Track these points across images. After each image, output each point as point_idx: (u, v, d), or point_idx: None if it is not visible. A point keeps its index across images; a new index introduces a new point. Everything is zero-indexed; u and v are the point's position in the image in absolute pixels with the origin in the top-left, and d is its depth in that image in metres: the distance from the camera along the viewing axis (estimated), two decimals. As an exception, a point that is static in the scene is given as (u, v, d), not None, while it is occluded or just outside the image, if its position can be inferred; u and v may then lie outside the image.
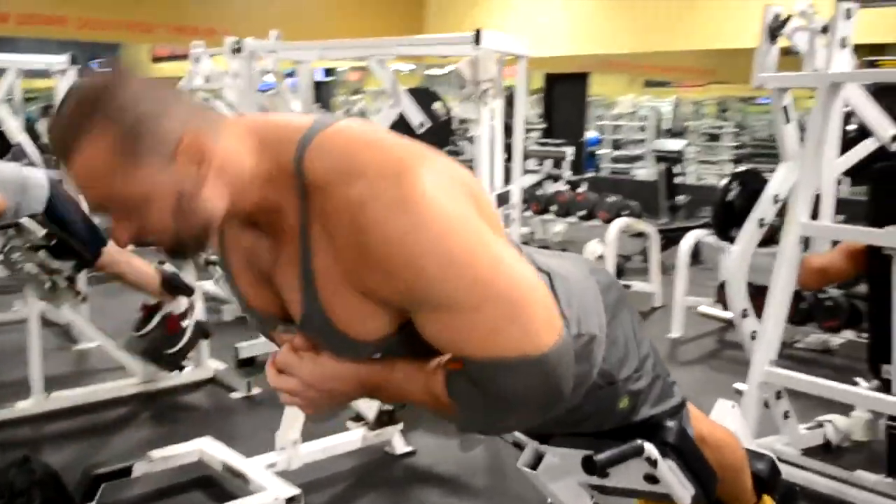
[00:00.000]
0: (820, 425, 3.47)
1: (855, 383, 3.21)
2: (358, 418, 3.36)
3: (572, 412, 1.43)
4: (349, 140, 1.15)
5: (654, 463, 1.47)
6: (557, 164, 10.41)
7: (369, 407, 3.28)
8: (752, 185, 3.79)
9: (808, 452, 3.28)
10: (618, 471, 1.54)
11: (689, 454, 1.52)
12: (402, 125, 4.65)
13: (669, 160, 9.93)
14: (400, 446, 3.41)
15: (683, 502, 1.55)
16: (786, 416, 3.21)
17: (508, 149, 3.94)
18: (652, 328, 5.56)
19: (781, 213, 3.28)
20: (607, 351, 1.44)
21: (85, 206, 3.65)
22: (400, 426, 3.38)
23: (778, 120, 3.27)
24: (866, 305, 3.03)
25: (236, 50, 5.56)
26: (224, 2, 12.26)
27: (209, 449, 3.11)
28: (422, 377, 1.24)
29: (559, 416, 1.40)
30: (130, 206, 1.12)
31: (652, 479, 1.53)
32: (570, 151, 10.47)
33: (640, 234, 6.19)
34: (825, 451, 3.40)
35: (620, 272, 5.94)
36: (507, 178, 3.91)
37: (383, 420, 3.32)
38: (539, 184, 8.94)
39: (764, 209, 3.26)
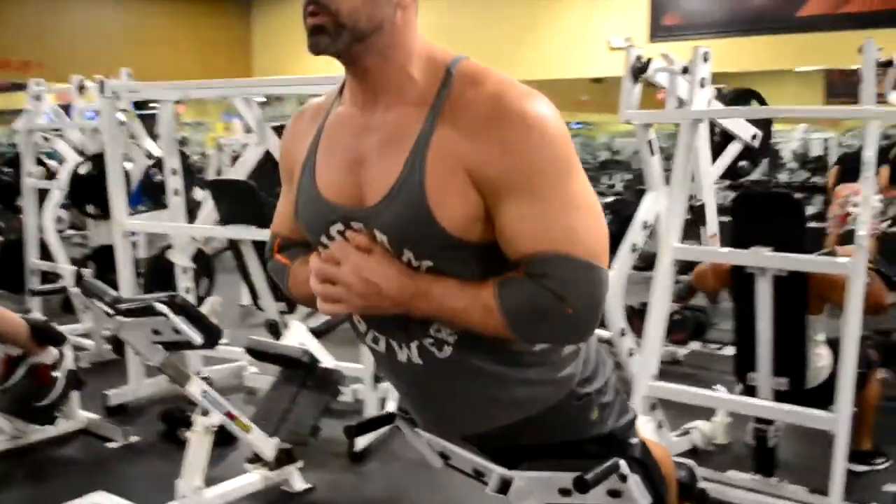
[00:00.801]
0: (687, 432, 3.75)
1: (713, 390, 3.52)
2: (255, 459, 3.33)
3: (549, 420, 1.53)
4: (489, 70, 1.34)
5: (625, 478, 1.59)
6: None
7: (268, 446, 3.27)
8: (623, 213, 4.07)
9: (680, 457, 3.54)
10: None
11: (650, 468, 1.66)
12: (268, 162, 4.65)
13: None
14: (299, 484, 3.40)
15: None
16: (660, 425, 3.47)
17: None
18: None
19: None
20: (583, 366, 1.55)
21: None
22: (299, 464, 3.38)
23: (643, 152, 3.55)
24: (733, 319, 3.33)
25: (81, 89, 5.38)
26: (36, 35, 11.62)
27: (106, 503, 2.99)
28: (471, 287, 1.32)
29: (537, 426, 1.53)
30: None
31: (615, 493, 1.65)
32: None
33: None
34: (693, 455, 3.68)
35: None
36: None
37: (282, 459, 3.31)
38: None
39: (635, 235, 3.52)
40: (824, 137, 12.82)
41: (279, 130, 4.73)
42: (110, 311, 2.85)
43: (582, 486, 1.52)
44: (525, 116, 1.26)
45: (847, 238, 3.90)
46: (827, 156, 12.34)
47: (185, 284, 4.43)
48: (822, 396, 3.22)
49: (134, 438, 3.90)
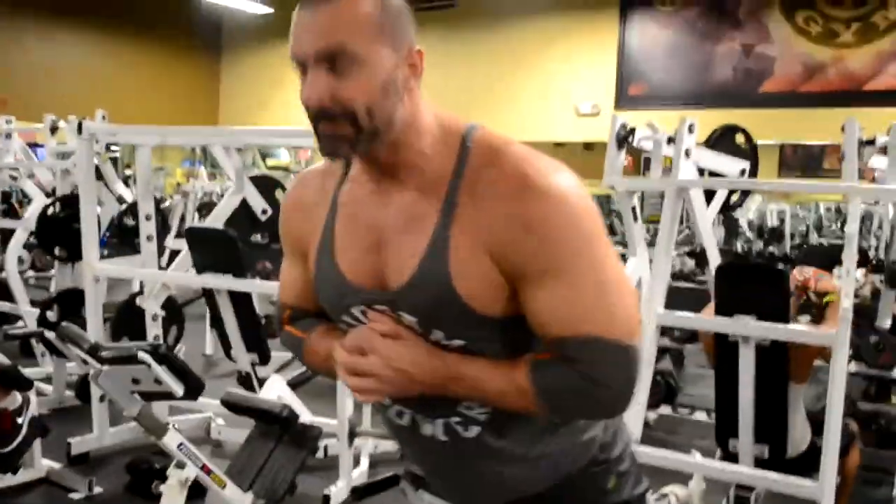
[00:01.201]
0: (664, 496, 3.74)
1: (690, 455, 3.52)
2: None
3: (567, 488, 1.51)
4: (505, 142, 1.30)
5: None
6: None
7: (244, 501, 3.18)
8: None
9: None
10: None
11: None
12: (243, 211, 4.62)
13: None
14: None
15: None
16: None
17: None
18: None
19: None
20: (603, 431, 1.54)
21: None
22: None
23: (626, 218, 3.59)
24: (715, 385, 3.35)
25: (54, 129, 5.32)
26: (2, 72, 11.48)
27: (74, 559, 2.87)
28: (504, 368, 1.29)
29: (557, 495, 1.49)
30: (353, 62, 1.21)
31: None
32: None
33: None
34: (669, 520, 3.66)
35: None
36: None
37: (256, 516, 3.22)
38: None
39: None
40: (779, 209, 13.14)
41: (255, 181, 4.72)
42: (89, 357, 2.76)
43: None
44: (548, 197, 1.22)
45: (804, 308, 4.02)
46: (782, 226, 12.65)
47: (154, 332, 4.34)
48: (802, 465, 3.25)
49: (98, 489, 3.76)
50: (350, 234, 1.37)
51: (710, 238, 3.70)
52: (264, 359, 4.28)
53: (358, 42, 1.21)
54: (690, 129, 3.30)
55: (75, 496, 3.72)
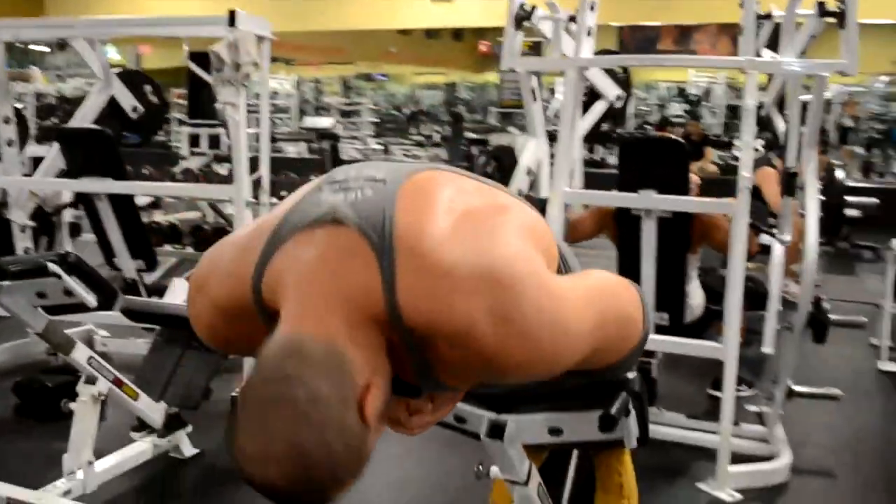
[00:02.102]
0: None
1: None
2: (141, 427, 3.12)
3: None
4: (432, 273, 1.04)
5: (629, 412, 1.63)
6: (214, 144, 10.15)
7: (157, 412, 3.07)
8: (505, 161, 4.09)
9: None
10: (573, 423, 1.68)
11: (643, 401, 1.70)
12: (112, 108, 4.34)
13: (329, 137, 10.14)
14: (188, 449, 3.22)
15: (632, 444, 1.73)
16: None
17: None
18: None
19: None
20: None
21: None
22: (188, 429, 3.20)
23: (526, 99, 3.58)
24: (617, 260, 3.46)
25: None
26: None
27: (-16, 487, 2.70)
28: None
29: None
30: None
31: (608, 427, 1.69)
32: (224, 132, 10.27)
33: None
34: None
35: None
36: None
37: (172, 424, 3.13)
38: (208, 164, 8.65)
39: (520, 181, 3.56)
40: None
41: (122, 77, 4.41)
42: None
43: (608, 423, 1.55)
44: (522, 356, 1.07)
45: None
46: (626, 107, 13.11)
47: (24, 244, 4.04)
48: (697, 330, 3.45)
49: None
50: None
51: (579, 143, 3.78)
52: (151, 264, 4.08)
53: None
54: (592, 7, 3.29)
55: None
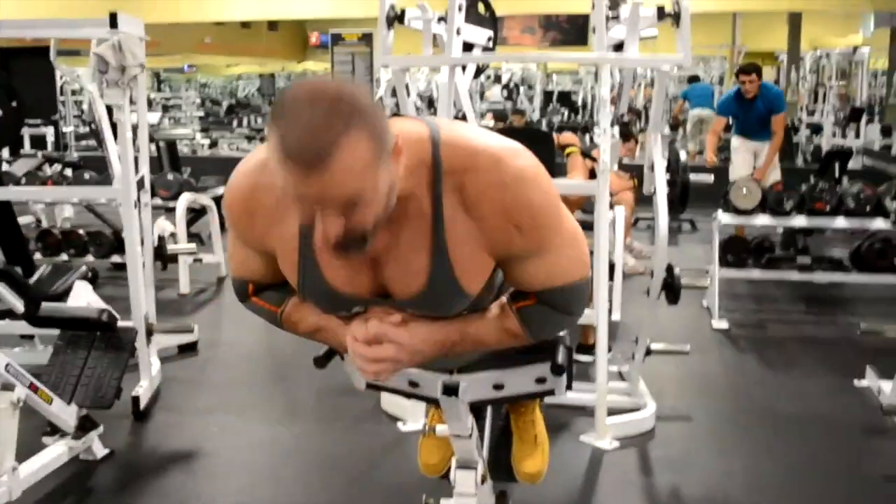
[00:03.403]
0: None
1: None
2: (53, 431, 3.15)
3: None
4: (467, 139, 1.39)
5: (565, 364, 1.92)
6: (39, 145, 9.77)
7: (70, 415, 3.11)
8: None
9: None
10: (514, 379, 1.96)
11: (572, 353, 2.01)
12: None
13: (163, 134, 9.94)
14: (100, 450, 3.28)
15: (562, 392, 2.03)
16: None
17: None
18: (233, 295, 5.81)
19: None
20: None
21: None
22: (100, 430, 3.25)
23: (401, 94, 3.83)
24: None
25: None
26: None
27: None
28: (494, 321, 1.55)
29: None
30: (366, 199, 1.23)
31: (542, 379, 1.97)
32: (50, 131, 9.92)
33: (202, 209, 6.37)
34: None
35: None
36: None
37: (85, 426, 3.17)
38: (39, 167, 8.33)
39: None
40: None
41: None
42: None
43: (558, 370, 1.83)
44: (528, 196, 1.37)
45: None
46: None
47: None
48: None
49: None
50: (334, 261, 1.43)
51: (470, 107, 4.08)
52: (29, 271, 4.03)
53: (367, 185, 1.22)
54: (460, 9, 3.58)
55: None
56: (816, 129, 11.39)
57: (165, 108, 15.05)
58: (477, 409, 2.53)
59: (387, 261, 1.44)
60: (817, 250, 6.17)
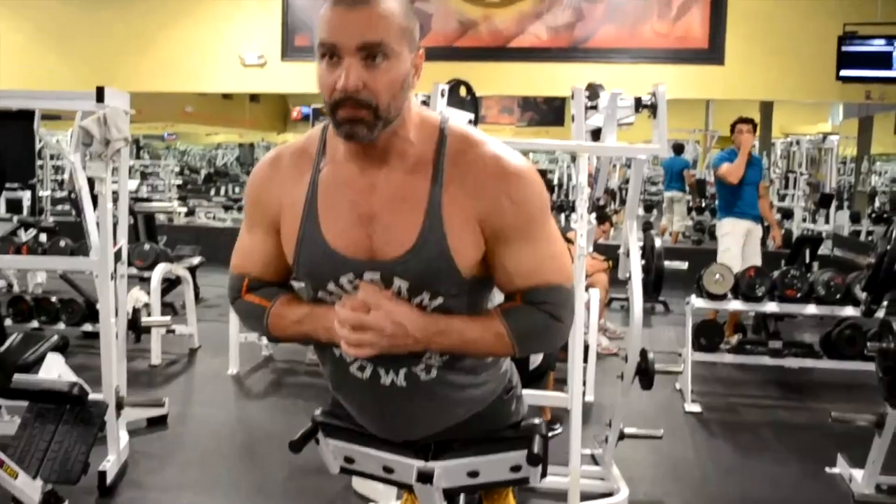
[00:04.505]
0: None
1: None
2: (16, 505, 3.08)
3: (488, 411, 1.81)
4: (472, 131, 1.56)
5: (541, 453, 1.93)
6: (15, 209, 9.75)
7: (35, 491, 3.05)
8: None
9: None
10: (489, 467, 1.96)
11: (546, 442, 2.01)
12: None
13: (138, 201, 9.95)
14: (65, 526, 3.21)
15: (537, 482, 2.03)
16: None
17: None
18: (205, 368, 5.77)
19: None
20: (508, 363, 1.86)
21: None
22: (65, 504, 3.19)
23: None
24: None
25: None
26: None
27: None
28: (480, 320, 1.57)
29: (479, 418, 1.80)
30: (387, 58, 1.40)
31: (517, 468, 1.97)
32: (26, 196, 9.92)
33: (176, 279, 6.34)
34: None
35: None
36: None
37: (50, 502, 3.11)
38: (14, 232, 8.28)
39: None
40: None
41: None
42: None
43: (535, 460, 1.83)
44: (522, 174, 1.51)
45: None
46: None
47: None
48: (536, 382, 3.84)
49: None
50: (334, 210, 1.54)
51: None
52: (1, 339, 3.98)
53: (393, 40, 1.41)
54: (442, 94, 3.66)
55: None
56: (787, 213, 11.61)
57: (144, 176, 15.06)
58: (451, 496, 2.52)
59: (380, 216, 1.50)
60: (788, 335, 6.24)
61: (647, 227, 12.49)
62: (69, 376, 3.20)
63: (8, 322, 5.81)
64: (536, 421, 1.99)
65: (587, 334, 4.75)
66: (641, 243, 3.83)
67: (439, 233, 1.48)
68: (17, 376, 2.90)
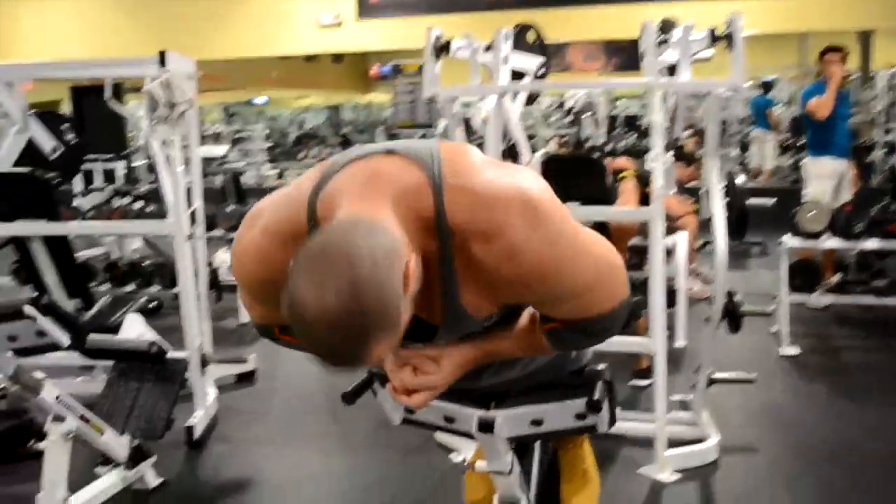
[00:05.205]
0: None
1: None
2: (106, 461, 3.17)
3: (554, 361, 1.77)
4: (474, 188, 1.26)
5: (602, 399, 1.85)
6: (110, 179, 10.05)
7: (122, 446, 3.13)
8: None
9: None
10: (553, 415, 1.89)
11: (613, 388, 1.93)
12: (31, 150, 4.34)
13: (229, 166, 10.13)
14: (152, 480, 3.29)
15: (604, 429, 1.95)
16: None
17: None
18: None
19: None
20: None
21: None
22: (153, 460, 3.27)
23: (450, 124, 3.81)
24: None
25: None
26: None
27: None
28: (525, 338, 1.53)
29: (547, 367, 1.77)
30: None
31: (582, 415, 1.90)
32: (121, 165, 10.19)
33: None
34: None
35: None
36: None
37: (136, 456, 3.19)
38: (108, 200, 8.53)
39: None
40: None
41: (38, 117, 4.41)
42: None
43: (595, 406, 1.76)
44: (541, 258, 1.27)
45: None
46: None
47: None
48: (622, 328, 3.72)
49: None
50: None
51: (522, 134, 4.02)
52: (89, 304, 4.11)
53: (386, 352, 1.22)
54: (506, 38, 3.55)
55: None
56: (892, 148, 11.00)
57: (235, 141, 15.34)
58: (523, 444, 2.47)
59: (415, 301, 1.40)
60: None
61: (742, 168, 12.07)
62: (149, 336, 3.25)
63: (105, 287, 6.02)
64: (600, 367, 1.92)
65: (674, 278, 4.59)
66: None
67: (460, 321, 1.40)
68: (92, 336, 2.96)
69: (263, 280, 1.35)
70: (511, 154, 3.98)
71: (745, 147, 12.66)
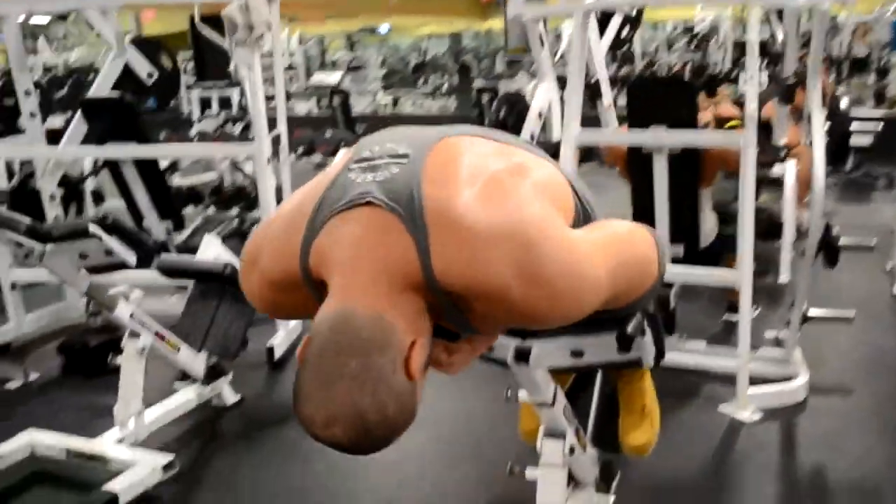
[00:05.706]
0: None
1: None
2: (184, 377, 3.28)
3: None
4: (463, 240, 1.15)
5: (644, 332, 1.74)
6: (225, 105, 10.26)
7: (198, 363, 3.22)
8: (518, 106, 4.17)
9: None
10: (594, 346, 1.80)
11: (657, 321, 1.82)
12: (128, 76, 4.43)
13: (339, 93, 10.17)
14: (230, 397, 3.38)
15: (650, 362, 1.85)
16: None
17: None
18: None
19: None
20: None
21: None
22: (229, 377, 3.36)
23: (534, 45, 3.66)
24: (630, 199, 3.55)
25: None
26: None
27: (43, 439, 2.86)
28: None
29: None
30: None
31: (625, 346, 1.80)
32: (235, 92, 10.38)
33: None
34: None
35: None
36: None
37: (212, 374, 3.28)
38: (222, 125, 8.75)
39: (532, 125, 3.64)
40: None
41: (136, 44, 4.49)
42: (28, 239, 2.67)
43: (625, 342, 1.66)
44: (542, 303, 1.18)
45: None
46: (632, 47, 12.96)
47: (53, 213, 4.17)
48: (712, 260, 3.54)
49: (34, 375, 3.71)
50: None
51: (603, 68, 3.83)
52: (179, 224, 4.22)
53: None
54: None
55: (12, 385, 3.65)
56: None
57: (351, 69, 15.42)
58: (584, 376, 2.39)
59: None
60: None
61: (879, 95, 11.27)
62: (225, 257, 3.30)
63: (210, 211, 6.21)
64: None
65: (783, 211, 4.32)
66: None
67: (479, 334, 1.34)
68: (163, 256, 3.03)
69: (278, 306, 1.33)
70: (593, 92, 3.82)
71: (883, 73, 11.78)
